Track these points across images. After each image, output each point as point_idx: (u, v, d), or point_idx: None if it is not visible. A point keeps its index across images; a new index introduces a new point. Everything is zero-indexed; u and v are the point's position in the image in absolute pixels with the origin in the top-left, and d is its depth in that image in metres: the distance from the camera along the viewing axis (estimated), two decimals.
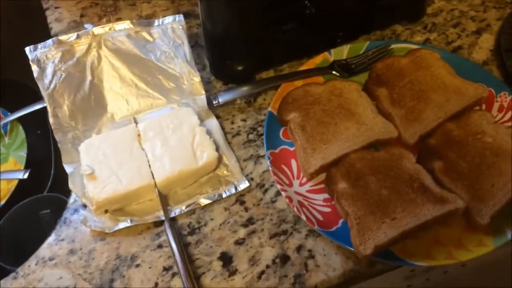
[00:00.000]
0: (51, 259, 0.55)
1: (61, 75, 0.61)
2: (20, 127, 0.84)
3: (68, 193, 0.60)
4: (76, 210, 0.58)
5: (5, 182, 0.77)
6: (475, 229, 0.52)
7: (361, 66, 0.66)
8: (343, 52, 0.68)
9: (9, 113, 0.83)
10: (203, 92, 0.63)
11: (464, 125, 0.58)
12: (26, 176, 0.72)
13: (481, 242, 0.51)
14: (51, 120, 0.60)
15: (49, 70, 0.61)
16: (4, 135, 0.83)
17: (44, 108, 0.67)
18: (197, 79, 0.63)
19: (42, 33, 0.79)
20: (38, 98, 0.75)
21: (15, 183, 0.76)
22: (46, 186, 0.74)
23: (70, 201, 0.59)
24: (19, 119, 0.82)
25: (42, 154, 0.80)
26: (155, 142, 0.59)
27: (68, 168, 0.59)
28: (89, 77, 0.63)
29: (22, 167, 0.79)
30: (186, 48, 0.64)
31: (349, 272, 0.52)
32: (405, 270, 0.62)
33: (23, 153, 0.81)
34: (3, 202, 0.75)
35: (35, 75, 0.61)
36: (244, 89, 0.65)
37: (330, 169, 0.56)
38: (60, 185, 0.71)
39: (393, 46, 0.68)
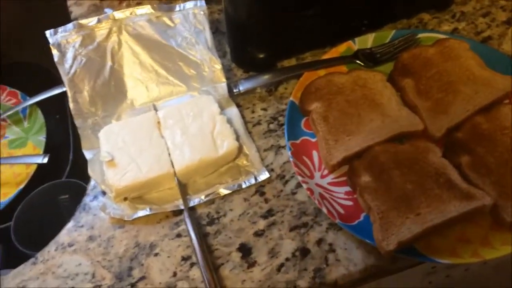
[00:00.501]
0: (70, 245, 0.55)
1: (82, 60, 0.61)
2: (39, 112, 0.84)
3: (86, 179, 0.60)
4: (95, 197, 0.58)
5: (24, 167, 0.77)
6: (502, 226, 0.50)
7: (387, 56, 0.64)
8: (367, 40, 0.66)
9: (28, 97, 0.83)
10: (224, 79, 0.62)
11: (493, 119, 0.56)
12: (45, 160, 0.72)
13: (508, 240, 0.49)
14: (71, 105, 0.60)
15: (70, 55, 0.61)
16: (23, 119, 0.84)
17: (64, 93, 0.67)
18: (218, 66, 0.62)
19: (61, 17, 0.78)
20: (58, 82, 0.75)
21: (34, 167, 0.76)
22: (65, 171, 0.74)
23: (89, 187, 0.59)
24: (38, 104, 0.81)
25: (60, 139, 0.80)
26: (175, 130, 0.58)
27: (87, 154, 0.59)
28: (109, 63, 0.62)
29: (41, 152, 0.79)
30: (208, 34, 0.63)
31: (371, 267, 0.51)
32: (426, 267, 0.61)
33: (42, 138, 0.81)
34: (21, 186, 0.75)
35: (55, 59, 0.60)
36: (265, 77, 0.64)
37: (353, 161, 0.55)
38: (79, 171, 0.71)
39: (420, 35, 0.66)
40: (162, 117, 0.59)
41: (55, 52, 0.61)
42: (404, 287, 0.62)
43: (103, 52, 0.62)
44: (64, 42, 0.61)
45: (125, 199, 0.56)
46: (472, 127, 0.56)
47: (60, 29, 0.62)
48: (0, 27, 0.87)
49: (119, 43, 0.63)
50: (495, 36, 0.68)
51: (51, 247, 0.55)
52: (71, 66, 0.60)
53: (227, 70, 0.67)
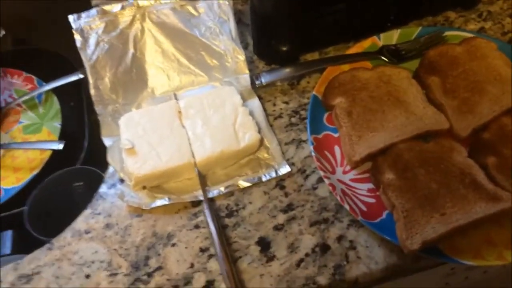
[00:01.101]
0: (87, 232, 0.54)
1: (104, 46, 0.60)
2: (55, 98, 0.83)
3: (101, 166, 0.60)
4: (113, 185, 0.58)
5: (38, 152, 0.76)
6: None
7: (412, 53, 0.64)
8: (393, 37, 0.65)
9: (44, 83, 0.83)
10: (247, 71, 0.61)
11: None
12: (61, 147, 0.71)
13: None
14: (92, 91, 0.59)
15: (92, 41, 0.60)
16: (38, 105, 0.83)
17: (80, 80, 0.67)
18: (241, 57, 0.61)
19: (82, 2, 0.78)
20: (74, 69, 0.75)
21: (48, 153, 0.76)
22: (79, 158, 0.74)
23: (107, 174, 0.59)
24: (54, 90, 0.81)
25: (75, 126, 0.80)
26: (196, 120, 0.57)
27: (107, 142, 0.58)
28: (131, 50, 0.61)
29: (56, 138, 0.79)
30: (232, 24, 0.62)
31: (392, 266, 0.50)
32: (446, 268, 0.60)
33: (57, 124, 0.81)
34: (36, 172, 0.74)
35: (78, 45, 0.60)
36: (288, 70, 0.63)
37: (377, 158, 0.54)
38: (94, 158, 0.70)
39: (446, 33, 0.65)
40: (184, 107, 0.58)
41: (77, 37, 0.60)
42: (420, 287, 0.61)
43: (125, 39, 0.61)
44: (87, 28, 0.60)
45: (144, 187, 0.56)
46: (498, 128, 0.55)
47: (83, 14, 0.61)
48: (18, 12, 0.86)
49: (142, 31, 0.62)
50: None
51: (67, 233, 0.54)
52: (93, 52, 0.60)
53: (249, 62, 0.65)
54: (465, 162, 0.53)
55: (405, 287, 0.60)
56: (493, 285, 0.68)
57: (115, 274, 0.51)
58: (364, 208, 0.52)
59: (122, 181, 0.57)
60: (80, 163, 0.73)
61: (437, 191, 0.50)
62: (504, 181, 0.51)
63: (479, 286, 0.67)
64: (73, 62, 0.78)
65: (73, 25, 0.60)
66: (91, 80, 0.59)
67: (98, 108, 0.59)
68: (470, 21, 0.69)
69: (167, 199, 0.54)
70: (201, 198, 0.54)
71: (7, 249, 0.62)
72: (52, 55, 0.86)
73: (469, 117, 0.56)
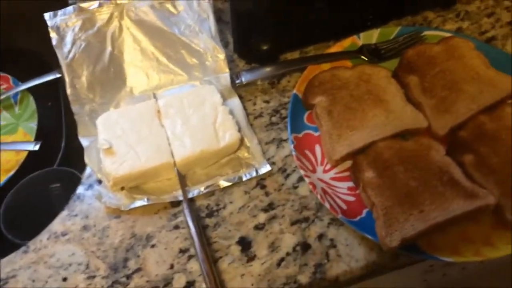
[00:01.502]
0: (63, 234, 0.53)
1: (81, 44, 0.59)
2: (31, 98, 0.81)
3: (79, 167, 0.59)
4: (90, 186, 0.57)
5: (14, 153, 0.74)
6: (505, 226, 0.50)
7: (391, 52, 0.64)
8: (372, 36, 0.65)
9: (20, 83, 0.81)
10: (227, 70, 0.61)
11: (497, 119, 0.56)
12: (37, 147, 0.70)
13: (510, 239, 0.49)
14: (68, 90, 0.58)
15: (69, 39, 0.59)
16: (14, 105, 0.81)
17: (57, 80, 0.65)
18: (221, 56, 0.61)
19: (56, 1, 0.76)
20: (51, 69, 0.73)
21: (24, 155, 0.74)
22: (56, 159, 0.72)
23: (84, 175, 0.57)
24: (30, 90, 0.79)
25: (52, 126, 0.78)
26: (176, 120, 0.56)
27: (84, 142, 0.57)
28: (109, 48, 0.60)
29: (32, 139, 0.77)
30: (212, 22, 0.61)
31: (372, 264, 0.50)
32: (424, 265, 0.61)
33: (33, 125, 0.79)
34: (11, 174, 0.72)
35: (53, 43, 0.58)
36: (268, 69, 0.63)
37: (357, 156, 0.54)
38: (71, 160, 0.69)
39: (425, 33, 0.65)
40: (163, 106, 0.58)
41: (53, 35, 0.59)
42: (400, 287, 0.62)
43: (103, 37, 0.60)
44: (64, 26, 0.59)
45: (122, 188, 0.55)
46: (476, 127, 0.56)
47: (59, 12, 0.60)
48: None
49: (120, 29, 0.61)
50: (498, 36, 0.68)
51: (43, 235, 0.53)
52: (69, 51, 0.59)
53: (229, 61, 0.65)
54: (443, 160, 0.53)
55: (385, 287, 0.60)
56: (471, 282, 0.69)
57: (93, 277, 0.50)
58: (344, 207, 0.52)
59: (100, 182, 0.56)
60: (57, 164, 0.72)
61: (416, 189, 0.51)
62: (480, 178, 0.52)
63: (458, 283, 0.68)
64: (50, 61, 0.76)
65: (49, 23, 0.59)
66: (67, 79, 0.58)
67: (74, 108, 0.58)
68: (448, 21, 0.70)
69: (146, 199, 0.53)
70: (181, 198, 0.53)
71: None
72: (28, 54, 0.84)
73: (447, 116, 0.57)
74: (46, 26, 0.60)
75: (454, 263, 0.57)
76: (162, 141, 0.55)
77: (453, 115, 0.57)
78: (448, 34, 0.64)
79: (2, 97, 0.77)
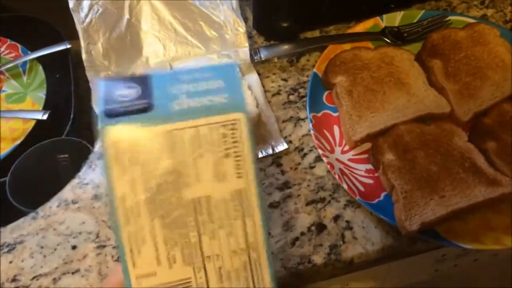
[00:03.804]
0: (74, 202, 0.52)
1: (98, 9, 0.57)
2: (40, 67, 0.80)
3: (87, 138, 0.57)
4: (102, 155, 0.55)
5: (21, 122, 0.73)
6: None
7: (414, 35, 0.62)
8: (395, 18, 0.64)
9: (29, 52, 0.79)
10: (247, 44, 0.59)
11: None
12: (45, 117, 0.68)
13: None
14: (84, 56, 0.56)
15: (86, 3, 0.57)
16: (22, 74, 0.79)
17: (67, 51, 0.63)
18: (242, 29, 0.59)
19: None
20: (61, 38, 0.71)
21: (31, 124, 0.72)
22: (65, 130, 0.71)
23: (96, 145, 0.56)
24: (39, 59, 0.77)
25: (61, 97, 0.76)
26: None
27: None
28: (126, 16, 0.58)
29: (41, 109, 0.76)
30: None
31: (388, 248, 0.49)
32: (437, 254, 0.60)
33: (41, 94, 0.77)
34: (17, 142, 0.71)
35: (70, 5, 0.56)
36: (288, 47, 0.61)
37: (377, 138, 0.53)
38: (79, 130, 0.67)
39: (450, 17, 0.64)
40: None
41: None
42: (412, 274, 0.61)
43: (121, 4, 0.58)
44: None
45: None
46: (499, 114, 0.55)
47: None
48: None
49: None
50: None
51: (53, 202, 0.52)
52: (86, 15, 0.57)
53: (247, 37, 0.64)
54: (465, 146, 0.52)
55: (396, 275, 0.59)
56: (482, 273, 0.68)
57: (103, 246, 0.49)
58: (362, 189, 0.51)
59: None
60: (65, 134, 0.70)
61: (437, 174, 0.49)
62: (503, 166, 0.51)
63: (468, 274, 0.67)
64: (61, 31, 0.74)
65: None
66: (83, 44, 0.57)
67: (89, 75, 0.57)
68: (473, 7, 0.69)
69: None
70: None
71: None
72: (39, 23, 0.83)
73: (470, 101, 0.55)
74: None
75: (471, 251, 0.56)
76: None
77: (477, 101, 0.55)
78: (472, 20, 0.63)
79: (10, 65, 0.76)
